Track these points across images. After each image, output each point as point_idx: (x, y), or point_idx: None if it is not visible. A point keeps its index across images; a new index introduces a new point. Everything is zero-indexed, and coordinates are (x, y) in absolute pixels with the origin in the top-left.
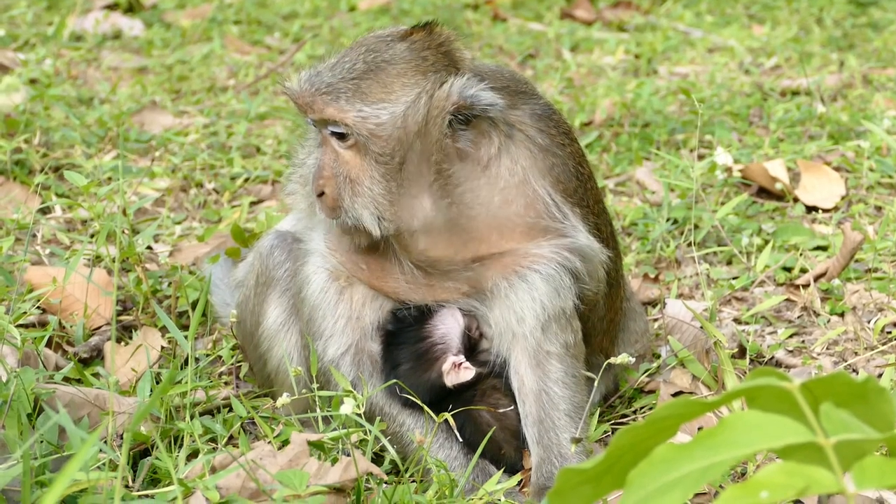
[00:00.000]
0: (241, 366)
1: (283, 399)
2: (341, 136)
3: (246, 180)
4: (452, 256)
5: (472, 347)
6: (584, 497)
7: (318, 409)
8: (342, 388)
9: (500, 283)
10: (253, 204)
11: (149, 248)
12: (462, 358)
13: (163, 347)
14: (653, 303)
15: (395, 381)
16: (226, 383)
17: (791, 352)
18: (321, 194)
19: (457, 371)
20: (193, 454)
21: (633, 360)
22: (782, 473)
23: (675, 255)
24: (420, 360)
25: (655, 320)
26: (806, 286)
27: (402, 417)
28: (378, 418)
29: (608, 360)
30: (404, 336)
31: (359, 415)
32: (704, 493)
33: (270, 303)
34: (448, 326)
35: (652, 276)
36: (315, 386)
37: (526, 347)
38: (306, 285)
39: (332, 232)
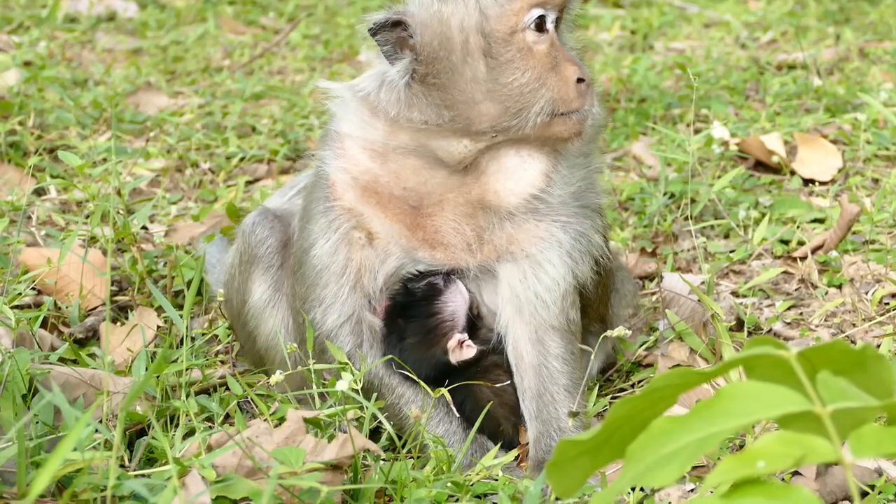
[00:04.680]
0: (236, 344)
1: (277, 376)
2: (557, 26)
3: (241, 160)
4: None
5: (470, 326)
6: (581, 468)
7: (314, 386)
8: (338, 361)
9: (509, 256)
10: (248, 183)
11: (144, 228)
12: (466, 336)
13: (158, 327)
14: (650, 276)
15: (394, 355)
16: (222, 362)
17: (789, 324)
18: (582, 80)
19: (460, 349)
20: (190, 433)
21: (629, 332)
22: (779, 443)
23: (672, 229)
24: (428, 336)
25: (653, 294)
26: (803, 258)
27: (402, 389)
28: (375, 394)
29: (604, 334)
30: (415, 310)
31: (355, 391)
32: (703, 466)
33: (255, 280)
34: (457, 304)
35: (649, 250)
36: (311, 361)
37: (530, 322)
38: (312, 247)
39: (392, 159)
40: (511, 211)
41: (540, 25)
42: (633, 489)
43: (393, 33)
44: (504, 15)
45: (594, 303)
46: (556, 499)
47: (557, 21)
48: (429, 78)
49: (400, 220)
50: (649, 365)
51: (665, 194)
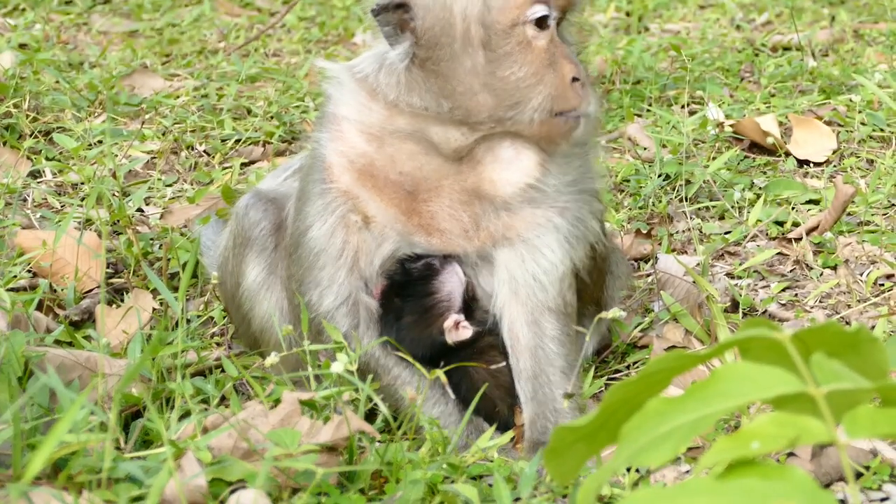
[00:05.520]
0: (231, 326)
1: (272, 358)
2: (559, 24)
3: (237, 142)
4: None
5: (466, 308)
6: (579, 455)
7: (309, 368)
8: (334, 342)
9: (506, 242)
10: (244, 165)
11: (139, 210)
12: (462, 317)
13: (154, 309)
14: (645, 258)
15: (391, 335)
16: (217, 344)
17: (784, 305)
18: (576, 79)
19: (457, 329)
20: (185, 415)
21: (624, 314)
22: (773, 424)
23: (667, 211)
24: (424, 315)
25: (648, 275)
26: (798, 240)
27: (398, 371)
28: (371, 375)
29: (599, 315)
30: (412, 289)
31: (350, 373)
32: (698, 447)
33: (248, 262)
34: (453, 285)
35: (644, 231)
36: (306, 343)
37: (527, 304)
38: (308, 230)
39: (388, 143)
40: (507, 200)
41: (541, 22)
42: (628, 470)
43: (395, 15)
44: (507, 7)
45: (589, 286)
46: (551, 480)
47: (560, 20)
48: (428, 63)
49: (395, 205)
50: (644, 346)
51: (660, 176)
